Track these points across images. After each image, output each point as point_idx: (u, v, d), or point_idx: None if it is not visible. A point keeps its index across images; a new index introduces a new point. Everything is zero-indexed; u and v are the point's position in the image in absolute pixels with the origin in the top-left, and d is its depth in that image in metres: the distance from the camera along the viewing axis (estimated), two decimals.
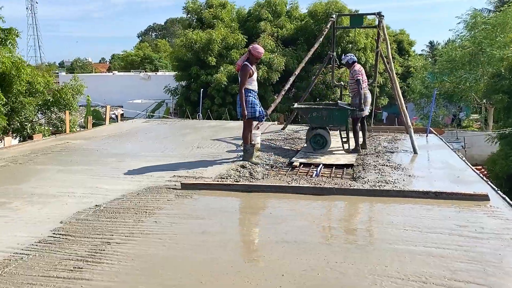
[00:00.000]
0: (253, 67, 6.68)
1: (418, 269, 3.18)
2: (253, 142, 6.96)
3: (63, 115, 12.65)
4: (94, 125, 13.96)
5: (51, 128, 12.67)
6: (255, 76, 6.73)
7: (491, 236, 3.80)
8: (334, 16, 9.87)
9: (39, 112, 12.66)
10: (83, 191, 5.35)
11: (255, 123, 7.45)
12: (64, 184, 5.70)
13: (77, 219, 4.32)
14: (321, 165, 6.62)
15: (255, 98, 6.70)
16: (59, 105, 12.63)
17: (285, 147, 8.23)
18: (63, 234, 3.91)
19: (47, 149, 8.23)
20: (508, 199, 4.87)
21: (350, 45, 21.78)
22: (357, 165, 6.65)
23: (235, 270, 3.21)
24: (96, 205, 4.73)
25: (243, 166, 6.47)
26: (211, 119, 17.84)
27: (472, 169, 6.48)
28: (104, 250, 3.56)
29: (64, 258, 3.40)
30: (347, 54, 8.15)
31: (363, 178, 5.88)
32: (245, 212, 4.57)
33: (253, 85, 6.72)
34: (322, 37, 9.90)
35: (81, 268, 3.23)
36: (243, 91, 6.54)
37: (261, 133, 8.56)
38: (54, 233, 3.93)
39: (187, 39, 21.11)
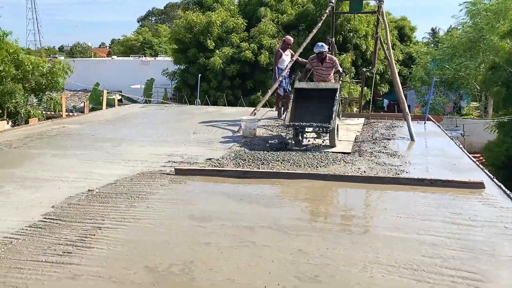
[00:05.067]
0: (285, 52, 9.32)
1: (409, 256, 3.16)
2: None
3: (57, 97, 12.56)
4: (94, 109, 13.89)
5: (44, 113, 12.58)
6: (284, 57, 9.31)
7: (485, 224, 3.78)
8: (333, 0, 9.74)
9: (31, 95, 12.53)
10: (76, 175, 5.32)
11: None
12: (58, 168, 5.66)
13: (69, 203, 4.29)
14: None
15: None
16: (51, 88, 12.50)
17: (282, 134, 8.17)
18: (53, 219, 3.88)
19: (42, 134, 8.18)
20: (503, 187, 4.83)
21: (351, 33, 21.52)
22: (353, 152, 6.60)
23: (226, 256, 3.19)
24: (88, 190, 4.70)
25: (238, 152, 6.43)
26: (208, 105, 17.75)
27: (469, 157, 6.43)
28: (94, 235, 3.53)
29: (54, 243, 3.38)
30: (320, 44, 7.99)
31: (358, 164, 5.84)
32: (238, 198, 4.54)
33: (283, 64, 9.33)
34: (321, 22, 9.78)
35: (70, 253, 3.21)
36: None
37: (258, 119, 8.51)
38: (44, 218, 3.91)
39: (187, 21, 20.91)
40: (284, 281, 2.84)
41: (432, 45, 36.27)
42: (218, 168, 5.52)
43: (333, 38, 9.80)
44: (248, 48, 20.36)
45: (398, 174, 5.38)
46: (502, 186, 4.89)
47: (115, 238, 3.48)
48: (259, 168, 5.61)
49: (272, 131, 8.43)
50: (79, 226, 3.72)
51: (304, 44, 9.58)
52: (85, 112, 12.06)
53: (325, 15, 9.81)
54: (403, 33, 34.72)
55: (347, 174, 5.28)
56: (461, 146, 7.38)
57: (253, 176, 5.22)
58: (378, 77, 23.23)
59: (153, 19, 78.70)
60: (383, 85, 26.90)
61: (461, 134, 21.54)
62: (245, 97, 20.56)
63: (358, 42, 21.73)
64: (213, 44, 20.70)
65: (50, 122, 9.87)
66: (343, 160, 6.10)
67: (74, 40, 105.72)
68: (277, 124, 9.12)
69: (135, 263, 3.08)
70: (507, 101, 16.21)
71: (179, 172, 5.35)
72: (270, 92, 9.24)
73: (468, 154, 6.63)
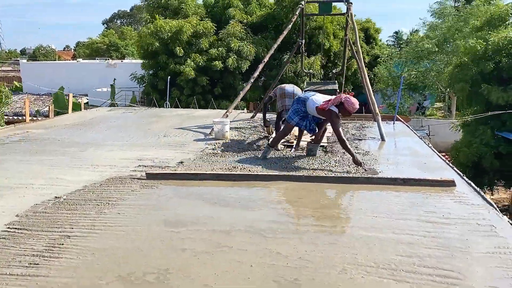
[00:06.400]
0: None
1: (387, 256, 3.15)
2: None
3: None
4: (58, 114, 13.47)
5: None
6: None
7: (458, 222, 3.83)
8: (302, 3, 9.78)
9: None
10: (43, 182, 5.09)
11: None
12: (22, 175, 5.40)
13: (35, 212, 4.09)
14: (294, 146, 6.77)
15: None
16: None
17: (254, 135, 8.13)
18: (18, 228, 3.68)
19: (4, 139, 7.83)
20: (473, 185, 4.94)
21: (320, 34, 21.68)
22: (326, 152, 6.62)
23: (202, 262, 3.10)
24: (55, 197, 4.50)
25: (211, 155, 6.33)
26: (179, 108, 17.53)
27: (439, 156, 6.56)
28: (63, 244, 3.37)
29: (19, 254, 3.19)
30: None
31: (331, 165, 5.85)
32: (212, 201, 4.44)
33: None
34: (291, 24, 9.81)
35: (37, 264, 3.04)
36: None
37: (230, 121, 8.42)
38: (8, 227, 3.70)
39: (155, 27, 20.47)
40: (263, 285, 2.78)
41: (398, 49, 37.10)
42: (190, 172, 5.41)
43: (303, 40, 9.83)
44: (217, 56, 20.24)
45: (371, 174, 5.41)
46: (472, 183, 5.00)
47: (85, 246, 3.33)
48: (232, 171, 5.53)
49: (244, 133, 8.37)
50: (46, 235, 3.54)
51: (275, 46, 9.58)
52: (50, 117, 11.65)
53: (295, 16, 9.84)
54: (368, 35, 35.33)
55: (321, 175, 5.27)
56: (430, 145, 7.53)
57: (227, 179, 5.14)
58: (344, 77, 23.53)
59: (118, 22, 77.31)
60: (348, 87, 27.24)
61: (426, 134, 22.11)
62: (215, 100, 20.44)
63: (325, 43, 21.93)
64: (182, 51, 20.43)
65: (13, 127, 9.48)
66: (318, 159, 6.10)
67: (37, 43, 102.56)
68: (249, 126, 9.07)
69: (107, 272, 2.94)
70: (470, 98, 16.65)
71: (150, 176, 5.21)
72: (241, 94, 9.17)
73: (437, 153, 6.76)
